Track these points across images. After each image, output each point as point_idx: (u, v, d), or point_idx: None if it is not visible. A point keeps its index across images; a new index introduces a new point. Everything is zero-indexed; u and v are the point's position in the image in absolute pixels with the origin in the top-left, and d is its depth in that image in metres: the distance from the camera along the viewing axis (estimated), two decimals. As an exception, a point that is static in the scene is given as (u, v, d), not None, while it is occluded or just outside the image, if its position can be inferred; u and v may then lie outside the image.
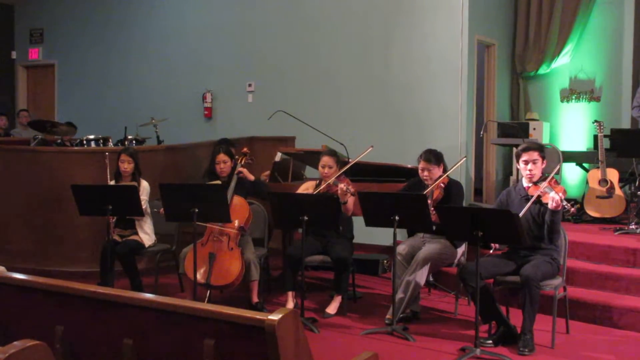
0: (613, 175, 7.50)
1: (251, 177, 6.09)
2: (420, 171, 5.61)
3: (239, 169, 6.02)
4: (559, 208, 4.79)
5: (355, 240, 6.12)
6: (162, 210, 5.68)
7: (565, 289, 5.20)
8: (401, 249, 5.55)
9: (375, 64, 8.62)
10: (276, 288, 6.39)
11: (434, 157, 5.59)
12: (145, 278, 6.17)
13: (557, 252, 5.06)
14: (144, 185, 6.24)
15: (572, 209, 4.87)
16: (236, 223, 5.71)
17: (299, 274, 5.62)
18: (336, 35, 8.90)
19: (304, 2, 9.23)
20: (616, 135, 7.59)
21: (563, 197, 4.79)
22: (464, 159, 6.15)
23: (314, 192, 5.72)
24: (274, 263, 6.92)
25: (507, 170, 9.34)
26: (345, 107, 8.77)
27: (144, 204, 6.03)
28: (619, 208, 7.47)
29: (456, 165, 5.66)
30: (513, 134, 8.25)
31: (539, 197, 4.92)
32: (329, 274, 6.56)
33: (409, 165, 6.40)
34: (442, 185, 5.50)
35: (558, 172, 7.80)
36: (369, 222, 5.27)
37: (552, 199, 4.78)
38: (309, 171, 7.59)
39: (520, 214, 4.72)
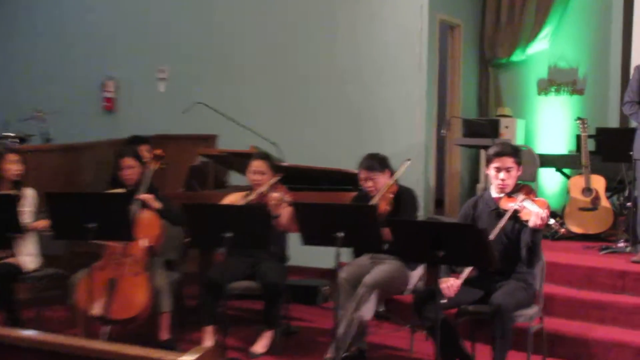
0: (599, 183, 7.68)
1: (156, 205, 5.94)
2: (362, 182, 5.64)
3: (139, 196, 5.88)
4: (543, 227, 4.85)
5: (289, 263, 6.13)
6: (39, 223, 5.63)
7: (542, 320, 5.28)
8: (345, 272, 5.56)
9: (317, 50, 8.66)
10: (192, 321, 6.33)
11: (377, 162, 5.63)
12: (25, 311, 6.05)
13: (533, 277, 5.13)
14: (29, 194, 6.12)
15: (562, 230, 4.87)
16: (143, 242, 5.65)
17: (220, 303, 5.59)
18: (273, 15, 8.89)
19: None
20: (602, 136, 7.79)
21: (548, 213, 4.84)
22: (408, 162, 5.97)
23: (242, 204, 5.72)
24: (190, 291, 6.87)
25: (474, 176, 9.49)
26: (280, 100, 8.78)
27: (28, 218, 5.92)
28: (605, 222, 7.65)
29: (399, 172, 5.67)
30: (481, 133, 8.39)
31: (515, 212, 4.96)
32: (257, 304, 6.54)
33: (357, 170, 6.42)
34: (390, 195, 5.54)
35: (534, 180, 7.99)
36: (307, 240, 5.27)
37: (537, 215, 4.78)
38: (234, 178, 7.57)
39: (491, 237, 4.78)
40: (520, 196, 4.95)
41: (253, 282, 5.82)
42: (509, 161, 5.05)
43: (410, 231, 4.87)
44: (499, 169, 5.06)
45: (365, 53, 8.39)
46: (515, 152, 5.15)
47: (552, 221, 4.82)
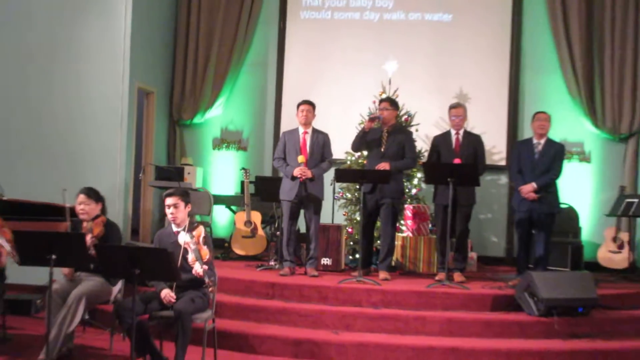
0: (257, 217, 8.10)
1: None
2: (77, 206, 5.55)
3: None
4: (200, 277, 5.04)
5: (8, 281, 5.74)
6: None
7: (214, 321, 5.44)
8: (57, 286, 5.37)
9: (34, 99, 8.17)
10: None
11: (94, 194, 5.60)
12: None
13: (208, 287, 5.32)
14: None
15: (211, 289, 5.06)
16: None
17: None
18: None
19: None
20: (260, 182, 8.20)
21: (206, 269, 5.01)
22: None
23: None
24: None
25: (163, 211, 9.43)
26: (2, 143, 8.15)
27: None
28: (261, 246, 8.08)
29: None
30: (169, 177, 8.47)
31: (185, 250, 5.12)
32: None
33: (67, 204, 6.16)
34: (100, 223, 5.48)
35: (209, 214, 8.20)
36: (24, 262, 5.00)
37: (195, 271, 5.01)
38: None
39: (178, 264, 4.97)
40: (194, 239, 5.10)
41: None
42: (175, 199, 5.26)
43: (113, 253, 4.82)
44: (169, 206, 5.25)
45: (79, 109, 8.12)
46: (182, 192, 5.36)
47: (206, 278, 5.00)
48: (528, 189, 6.82)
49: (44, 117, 8.19)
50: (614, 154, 8.82)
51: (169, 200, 5.26)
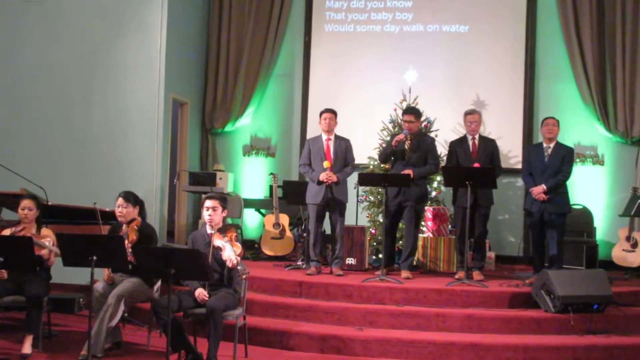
0: (284, 219, 8.10)
1: None
2: (116, 208, 5.58)
3: None
4: (234, 268, 5.04)
5: (52, 280, 5.79)
6: None
7: (244, 318, 5.45)
8: (98, 286, 5.40)
9: (75, 110, 8.27)
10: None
11: (132, 197, 5.62)
12: None
13: (239, 285, 5.32)
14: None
15: (244, 276, 5.03)
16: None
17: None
18: (38, 82, 8.39)
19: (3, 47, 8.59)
20: (287, 186, 8.20)
21: (239, 260, 5.02)
22: None
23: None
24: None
25: (197, 214, 9.51)
26: (47, 152, 8.26)
27: None
28: (288, 247, 8.07)
29: None
30: (202, 182, 8.49)
31: (219, 248, 5.13)
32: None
33: (107, 209, 6.21)
34: (135, 227, 5.50)
35: (240, 217, 8.21)
36: (67, 262, 5.04)
37: (229, 259, 5.02)
38: (5, 214, 7.01)
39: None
40: (226, 237, 5.12)
41: (17, 296, 5.44)
42: (214, 202, 5.29)
43: (150, 255, 4.84)
44: (208, 208, 5.25)
45: (118, 119, 8.20)
46: (221, 197, 5.39)
47: (240, 267, 4.99)
48: (539, 190, 6.75)
49: (85, 127, 8.27)
50: (627, 157, 8.67)
51: (208, 203, 5.27)
